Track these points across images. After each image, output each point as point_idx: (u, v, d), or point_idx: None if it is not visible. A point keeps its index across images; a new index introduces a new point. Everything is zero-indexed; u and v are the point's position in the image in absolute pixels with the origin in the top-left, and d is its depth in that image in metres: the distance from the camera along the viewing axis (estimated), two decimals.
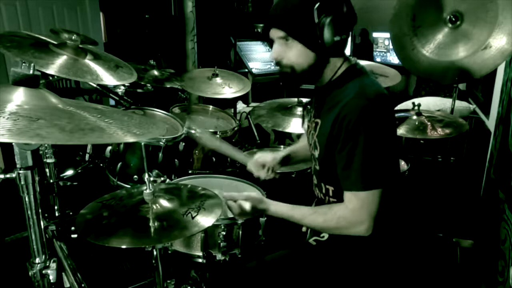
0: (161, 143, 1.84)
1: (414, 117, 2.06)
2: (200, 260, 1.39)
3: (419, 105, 2.07)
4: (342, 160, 1.13)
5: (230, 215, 1.39)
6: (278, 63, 1.23)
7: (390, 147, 1.15)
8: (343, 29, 1.14)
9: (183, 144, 1.99)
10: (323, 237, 1.27)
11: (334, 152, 1.16)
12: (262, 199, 1.26)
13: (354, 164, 1.10)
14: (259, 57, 4.17)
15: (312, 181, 1.39)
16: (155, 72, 2.35)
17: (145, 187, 1.17)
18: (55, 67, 1.48)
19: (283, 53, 1.20)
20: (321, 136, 1.21)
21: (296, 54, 1.18)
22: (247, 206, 1.23)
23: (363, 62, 1.37)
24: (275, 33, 1.20)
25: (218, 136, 2.16)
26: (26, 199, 0.95)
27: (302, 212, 1.22)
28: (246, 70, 3.98)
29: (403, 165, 2.14)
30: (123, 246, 1.01)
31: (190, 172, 2.13)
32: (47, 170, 1.94)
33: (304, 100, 2.33)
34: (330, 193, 1.27)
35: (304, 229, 1.42)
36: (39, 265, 1.01)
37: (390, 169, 1.17)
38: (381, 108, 1.13)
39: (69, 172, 2.09)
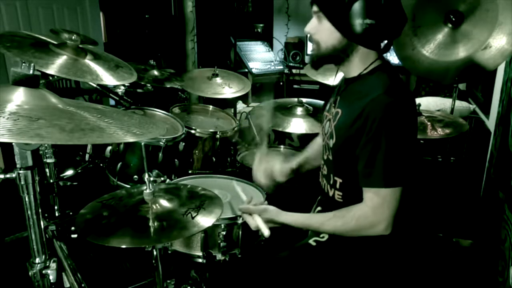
0: (161, 143, 1.84)
1: None
2: (200, 260, 1.39)
3: (419, 105, 2.07)
4: (365, 156, 1.12)
5: (230, 215, 1.39)
6: (310, 39, 1.24)
7: (412, 146, 1.14)
8: (374, 15, 1.09)
9: (183, 144, 1.99)
10: (323, 237, 1.27)
11: (352, 145, 1.15)
12: (278, 212, 1.24)
13: (377, 161, 1.09)
14: (259, 57, 4.17)
15: (310, 177, 1.38)
16: (155, 72, 2.34)
17: (145, 187, 1.17)
18: (55, 67, 1.48)
19: (314, 28, 1.20)
20: (340, 127, 1.20)
21: (324, 32, 1.17)
22: (263, 222, 1.21)
23: None
24: (313, 8, 1.19)
25: (218, 136, 2.16)
26: (26, 199, 0.95)
27: (320, 219, 1.21)
28: (246, 70, 3.98)
29: None
30: (123, 246, 1.01)
31: (190, 172, 2.13)
32: (47, 170, 1.93)
33: (304, 100, 2.33)
34: (337, 185, 1.26)
35: None
36: (39, 265, 1.01)
37: (410, 167, 1.16)
38: (407, 107, 1.13)
39: (69, 172, 2.09)
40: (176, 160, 1.96)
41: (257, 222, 1.22)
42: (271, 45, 4.48)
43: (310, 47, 1.21)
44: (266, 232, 1.18)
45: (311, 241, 1.28)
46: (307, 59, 4.45)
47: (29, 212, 0.96)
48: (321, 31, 1.18)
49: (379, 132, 1.08)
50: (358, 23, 1.10)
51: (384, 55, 1.23)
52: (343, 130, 1.18)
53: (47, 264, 1.02)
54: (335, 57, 1.21)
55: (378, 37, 1.16)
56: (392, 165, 1.10)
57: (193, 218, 1.12)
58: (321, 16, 1.16)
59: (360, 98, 1.14)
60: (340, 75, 1.33)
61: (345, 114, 1.20)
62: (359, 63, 1.20)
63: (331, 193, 1.29)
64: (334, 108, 1.27)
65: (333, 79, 1.44)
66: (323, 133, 1.33)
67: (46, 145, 1.86)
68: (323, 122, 1.34)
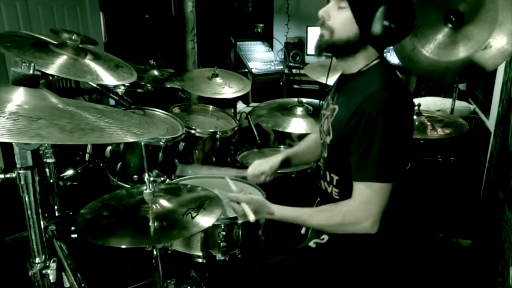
0: (161, 143, 1.84)
1: (414, 117, 2.05)
2: (200, 260, 1.39)
3: (419, 105, 2.07)
4: (359, 150, 1.11)
5: (230, 215, 1.39)
6: (322, 23, 1.19)
7: (406, 143, 1.15)
8: (395, 20, 1.10)
9: (183, 144, 1.99)
10: (323, 239, 1.27)
11: (348, 141, 1.15)
12: (265, 203, 1.25)
13: (371, 155, 1.09)
14: (259, 57, 4.17)
15: (309, 180, 1.39)
16: (155, 72, 2.35)
17: (145, 187, 1.17)
18: (55, 67, 1.48)
19: (331, 14, 1.16)
20: (337, 123, 1.20)
21: (342, 21, 1.14)
22: (249, 209, 1.22)
23: None
24: None
25: (218, 136, 2.16)
26: (26, 199, 0.95)
27: (307, 212, 1.21)
28: (246, 70, 3.98)
29: None
30: (123, 246, 1.01)
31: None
32: (47, 170, 1.94)
33: (304, 100, 2.33)
34: (334, 182, 1.26)
35: (303, 231, 1.42)
36: (39, 265, 1.01)
37: (402, 165, 1.16)
38: (403, 103, 1.13)
39: (69, 172, 2.09)
40: (176, 160, 1.96)
41: (243, 207, 1.22)
42: (271, 45, 4.48)
43: (317, 32, 1.17)
44: (251, 217, 1.19)
45: (311, 243, 1.28)
46: (307, 59, 4.46)
47: (29, 212, 0.96)
48: (339, 19, 1.15)
49: (375, 126, 1.08)
50: (380, 24, 1.09)
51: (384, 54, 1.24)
52: (340, 126, 1.17)
53: (47, 264, 1.01)
54: (343, 50, 1.18)
55: (392, 41, 1.16)
56: (386, 161, 1.10)
57: (193, 218, 1.12)
58: (344, 4, 1.13)
59: (357, 94, 1.14)
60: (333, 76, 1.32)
61: (343, 110, 1.19)
62: (361, 61, 1.19)
63: (329, 190, 1.29)
64: (331, 105, 1.26)
65: (326, 78, 1.44)
66: (321, 131, 1.33)
67: (46, 145, 1.86)
68: (321, 121, 1.34)
